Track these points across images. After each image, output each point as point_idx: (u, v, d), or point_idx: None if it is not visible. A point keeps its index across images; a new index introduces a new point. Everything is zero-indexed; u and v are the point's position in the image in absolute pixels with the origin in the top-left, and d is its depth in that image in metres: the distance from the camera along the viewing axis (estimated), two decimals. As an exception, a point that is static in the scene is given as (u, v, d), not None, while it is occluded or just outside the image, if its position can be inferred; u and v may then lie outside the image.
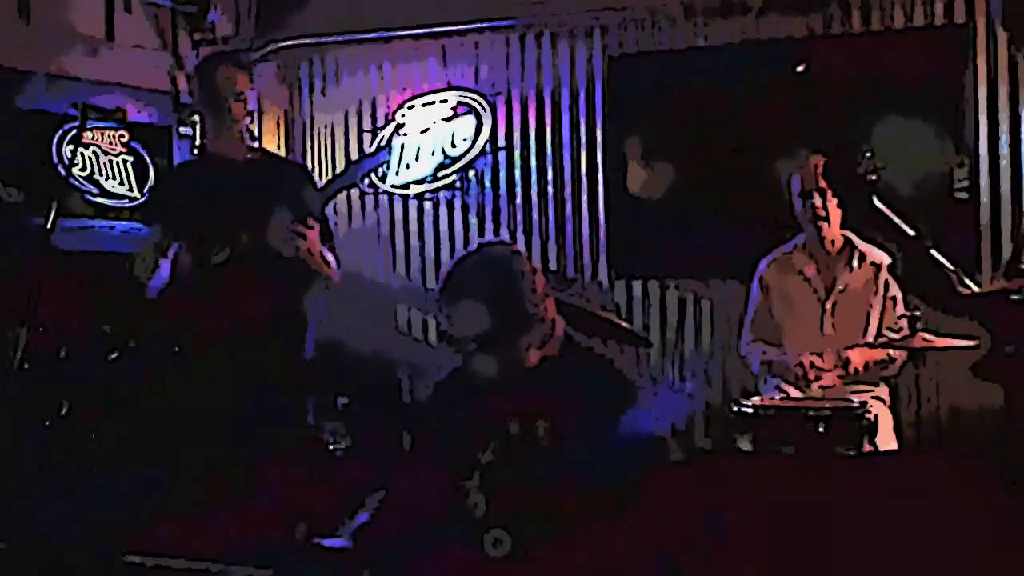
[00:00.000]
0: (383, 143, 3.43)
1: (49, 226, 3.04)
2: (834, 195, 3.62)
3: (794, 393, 3.57)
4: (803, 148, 3.87)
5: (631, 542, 2.01)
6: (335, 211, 5.76)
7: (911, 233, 2.90)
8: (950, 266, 3.24)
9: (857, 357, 3.49)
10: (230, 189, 3.30)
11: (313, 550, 2.14)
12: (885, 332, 3.59)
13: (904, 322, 3.39)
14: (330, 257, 3.37)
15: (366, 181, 5.60)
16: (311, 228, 3.20)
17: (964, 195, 4.52)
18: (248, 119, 3.39)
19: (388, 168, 5.56)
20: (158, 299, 3.25)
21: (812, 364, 3.49)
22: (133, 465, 3.05)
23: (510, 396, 2.19)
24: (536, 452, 2.13)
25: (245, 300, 3.18)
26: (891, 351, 3.55)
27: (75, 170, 4.98)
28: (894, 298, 3.64)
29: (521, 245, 5.28)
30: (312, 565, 2.04)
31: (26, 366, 3.02)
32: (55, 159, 4.91)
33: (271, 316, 3.24)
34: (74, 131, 4.89)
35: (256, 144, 3.58)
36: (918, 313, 3.30)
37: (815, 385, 3.53)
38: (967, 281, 3.29)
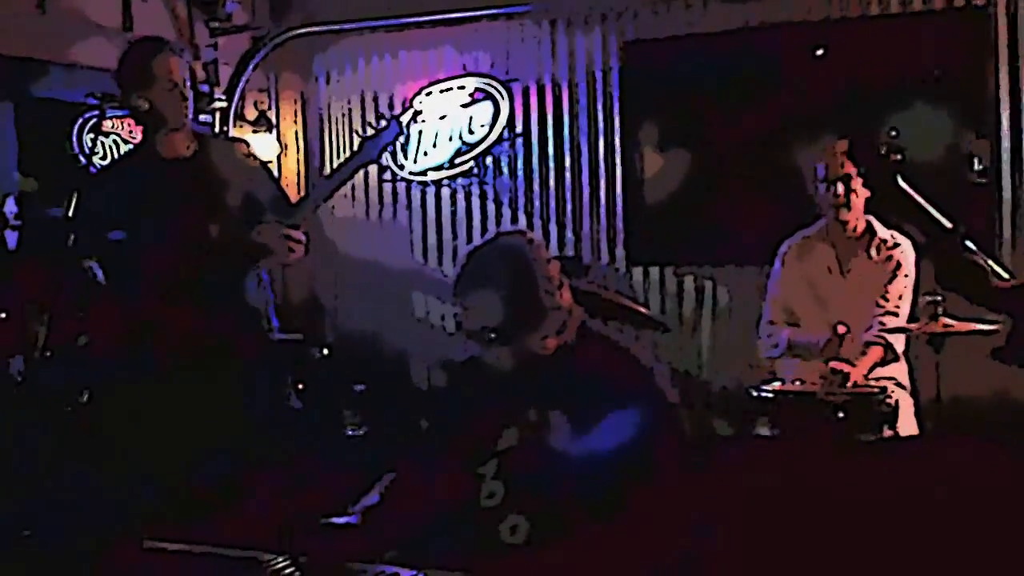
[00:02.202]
0: (390, 117, 3.37)
1: (70, 215, 3.05)
2: (859, 179, 3.59)
3: (813, 379, 3.55)
4: (820, 133, 3.85)
5: (649, 529, 2.01)
6: (352, 197, 5.78)
7: (948, 225, 2.86)
8: (984, 257, 3.21)
9: (857, 373, 3.45)
10: (181, 185, 3.09)
11: (330, 535, 2.15)
12: (893, 309, 3.57)
13: (920, 306, 3.36)
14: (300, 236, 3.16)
15: (384, 158, 5.60)
16: (305, 235, 3.08)
17: (983, 180, 4.49)
18: (189, 107, 3.13)
19: (407, 147, 5.57)
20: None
21: (847, 332, 3.46)
22: (150, 454, 3.08)
23: (527, 384, 2.19)
24: (553, 439, 2.13)
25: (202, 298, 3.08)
26: (890, 340, 3.52)
27: (95, 159, 5.01)
28: (906, 278, 3.61)
29: (538, 231, 5.28)
30: (331, 551, 2.05)
31: (48, 353, 3.05)
32: (75, 148, 4.94)
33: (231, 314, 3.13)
34: (94, 119, 4.90)
35: (196, 130, 3.36)
36: (939, 298, 3.28)
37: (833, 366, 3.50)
38: (1000, 272, 3.26)
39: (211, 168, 3.15)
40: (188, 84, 3.12)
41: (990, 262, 3.43)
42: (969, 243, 3.39)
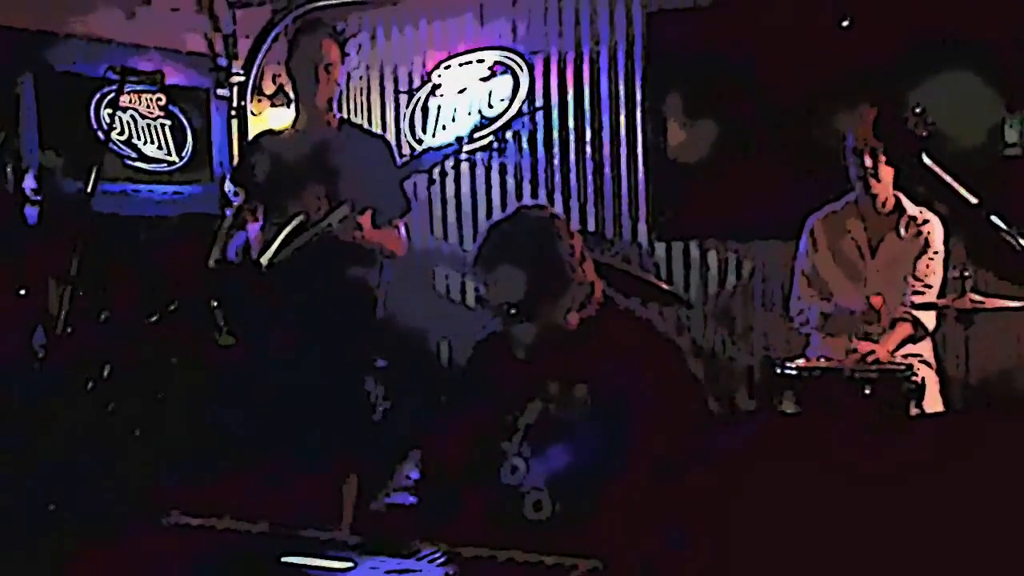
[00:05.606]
0: (453, 138, 3.50)
1: (90, 190, 3.06)
2: (885, 153, 3.53)
3: (838, 355, 3.51)
4: (847, 104, 3.78)
5: (672, 504, 1.99)
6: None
7: (972, 201, 2.80)
8: (1013, 233, 3.15)
9: (884, 350, 3.40)
10: (303, 162, 3.27)
11: (362, 510, 2.15)
12: (921, 288, 3.52)
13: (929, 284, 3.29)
14: (401, 232, 3.36)
15: (403, 134, 5.60)
16: (362, 215, 3.17)
17: (1016, 151, 4.40)
18: (336, 90, 3.34)
19: (426, 121, 5.54)
20: (234, 261, 3.26)
21: (883, 303, 3.42)
22: (175, 429, 3.08)
23: (549, 359, 2.17)
24: (576, 415, 2.11)
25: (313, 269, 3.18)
26: (919, 317, 3.47)
27: (113, 134, 4.98)
28: (935, 255, 3.56)
29: (559, 206, 5.23)
30: (357, 526, 2.05)
31: (69, 329, 3.06)
32: (93, 123, 4.92)
33: (333, 286, 3.24)
34: (112, 95, 4.89)
35: (340, 115, 3.51)
36: (967, 274, 3.23)
37: (862, 346, 3.46)
38: None
39: (331, 151, 3.28)
40: (340, 68, 3.32)
41: (1019, 238, 3.37)
42: (996, 219, 3.32)
